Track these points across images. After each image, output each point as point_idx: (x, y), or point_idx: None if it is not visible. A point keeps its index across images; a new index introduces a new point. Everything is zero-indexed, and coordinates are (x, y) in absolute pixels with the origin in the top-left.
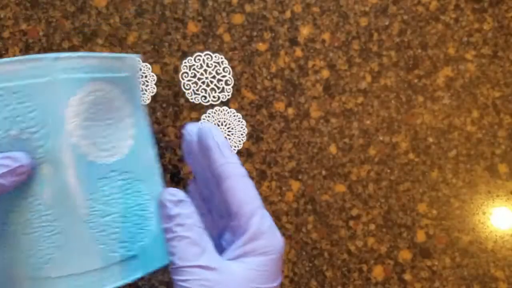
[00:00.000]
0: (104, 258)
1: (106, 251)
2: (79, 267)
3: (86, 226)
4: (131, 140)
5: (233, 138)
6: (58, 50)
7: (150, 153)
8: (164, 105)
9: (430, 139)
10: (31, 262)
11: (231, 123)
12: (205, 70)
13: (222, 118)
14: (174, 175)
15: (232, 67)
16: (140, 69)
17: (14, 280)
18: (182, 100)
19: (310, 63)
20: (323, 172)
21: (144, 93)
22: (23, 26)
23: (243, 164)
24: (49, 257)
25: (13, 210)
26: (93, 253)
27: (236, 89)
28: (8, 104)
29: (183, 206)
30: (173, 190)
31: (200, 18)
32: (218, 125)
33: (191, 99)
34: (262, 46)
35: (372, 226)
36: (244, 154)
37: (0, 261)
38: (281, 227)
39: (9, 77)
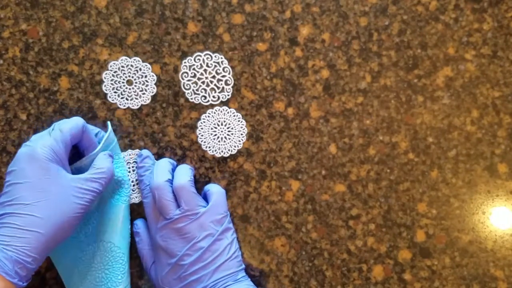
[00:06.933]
0: None
1: None
2: None
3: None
4: None
5: (233, 138)
6: (58, 50)
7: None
8: (164, 105)
9: (430, 139)
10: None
11: (231, 123)
12: (205, 70)
13: (222, 118)
14: None
15: (232, 67)
16: (141, 69)
17: None
18: (182, 100)
19: (310, 63)
20: (323, 172)
21: (144, 93)
22: (23, 26)
23: (243, 164)
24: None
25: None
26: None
27: (236, 89)
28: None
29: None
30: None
31: (200, 18)
32: (218, 125)
33: (191, 99)
34: (262, 46)
35: (372, 226)
36: (244, 154)
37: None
38: (281, 227)
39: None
